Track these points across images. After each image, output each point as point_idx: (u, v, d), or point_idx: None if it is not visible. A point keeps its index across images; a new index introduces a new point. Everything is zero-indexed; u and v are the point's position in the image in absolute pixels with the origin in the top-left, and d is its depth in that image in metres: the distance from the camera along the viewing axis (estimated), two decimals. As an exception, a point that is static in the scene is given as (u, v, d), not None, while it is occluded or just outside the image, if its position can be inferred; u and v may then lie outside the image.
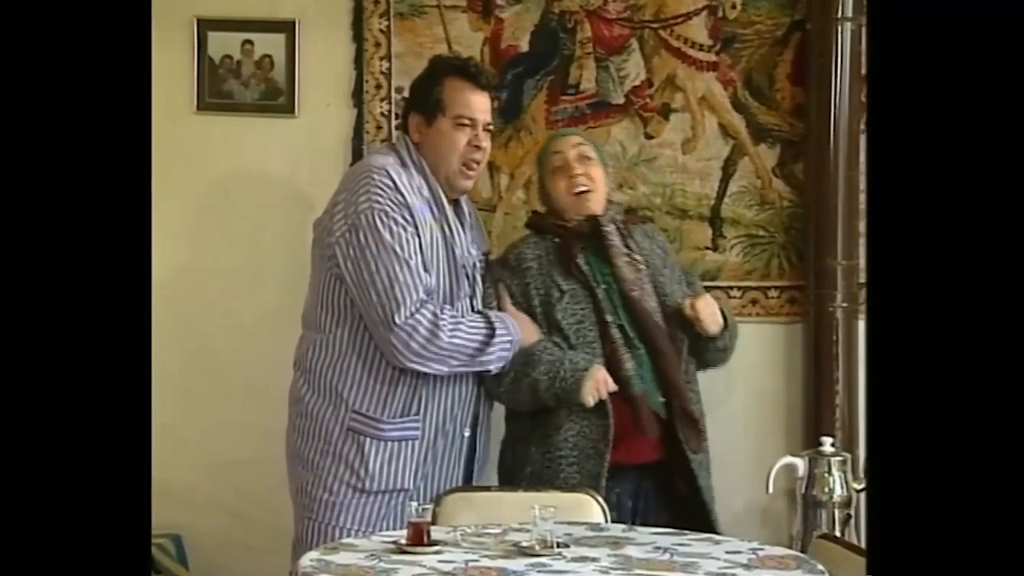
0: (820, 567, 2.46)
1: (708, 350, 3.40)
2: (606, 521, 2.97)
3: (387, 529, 3.16)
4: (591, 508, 3.00)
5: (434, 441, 3.29)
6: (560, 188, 3.41)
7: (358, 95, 3.95)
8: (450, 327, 3.18)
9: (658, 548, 2.60)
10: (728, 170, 3.95)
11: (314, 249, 3.35)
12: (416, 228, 3.22)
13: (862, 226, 3.73)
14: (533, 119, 3.94)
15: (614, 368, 3.23)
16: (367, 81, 3.95)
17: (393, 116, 3.89)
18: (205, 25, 3.95)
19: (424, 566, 2.44)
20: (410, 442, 3.27)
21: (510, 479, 3.33)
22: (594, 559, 2.49)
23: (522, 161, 3.92)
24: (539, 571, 2.41)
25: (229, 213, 3.98)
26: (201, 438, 3.94)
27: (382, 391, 3.25)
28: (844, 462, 3.53)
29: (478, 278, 3.38)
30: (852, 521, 3.53)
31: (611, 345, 3.25)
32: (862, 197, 3.73)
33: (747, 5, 3.93)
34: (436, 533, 2.66)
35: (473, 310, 3.32)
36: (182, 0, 3.90)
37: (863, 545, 2.84)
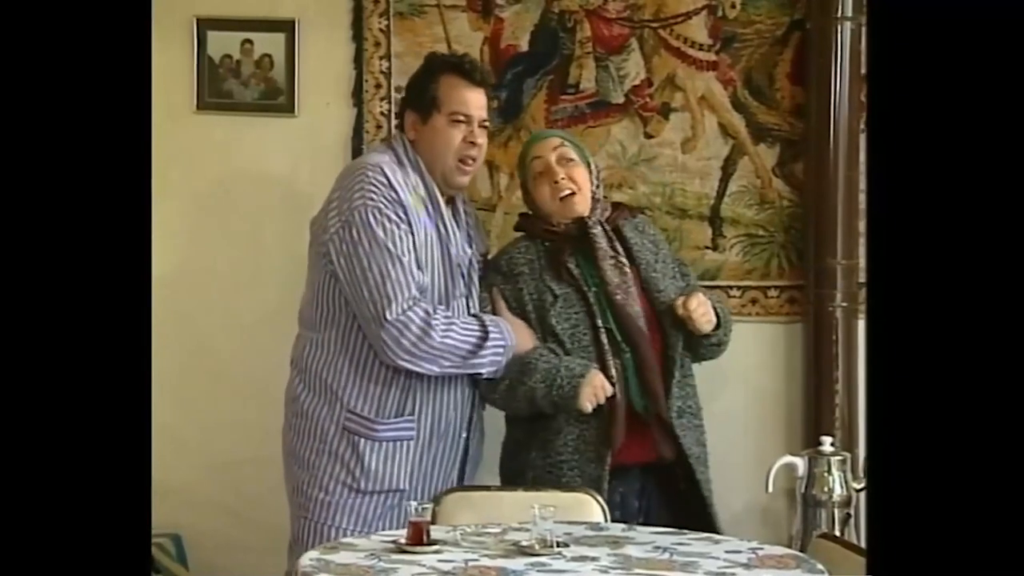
0: (820, 566, 2.46)
1: (702, 345, 3.38)
2: (606, 520, 2.97)
3: (383, 529, 3.17)
4: (591, 508, 2.99)
5: (430, 442, 3.29)
6: (545, 194, 3.37)
7: (358, 94, 3.95)
8: (443, 327, 3.17)
9: (658, 548, 2.60)
10: (728, 169, 3.95)
11: (311, 248, 3.35)
12: (410, 226, 3.21)
13: (862, 226, 3.73)
14: (533, 119, 3.94)
15: (608, 372, 3.22)
16: (367, 80, 3.95)
17: (393, 116, 3.88)
18: (205, 25, 3.94)
19: (424, 565, 2.44)
20: (405, 442, 3.26)
21: (512, 484, 3.32)
22: (594, 558, 2.49)
23: (522, 161, 3.92)
24: (539, 570, 2.41)
25: (229, 213, 3.98)
26: (201, 438, 3.94)
27: (376, 391, 3.26)
28: (844, 462, 3.53)
29: (474, 278, 3.37)
30: (852, 521, 3.53)
31: (603, 349, 3.24)
32: (862, 197, 3.73)
33: (747, 4, 3.93)
34: (436, 532, 2.66)
35: (469, 311, 3.31)
36: (182, 0, 3.90)
37: (863, 545, 2.84)
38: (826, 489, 3.51)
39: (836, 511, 3.51)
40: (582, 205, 3.36)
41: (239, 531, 3.90)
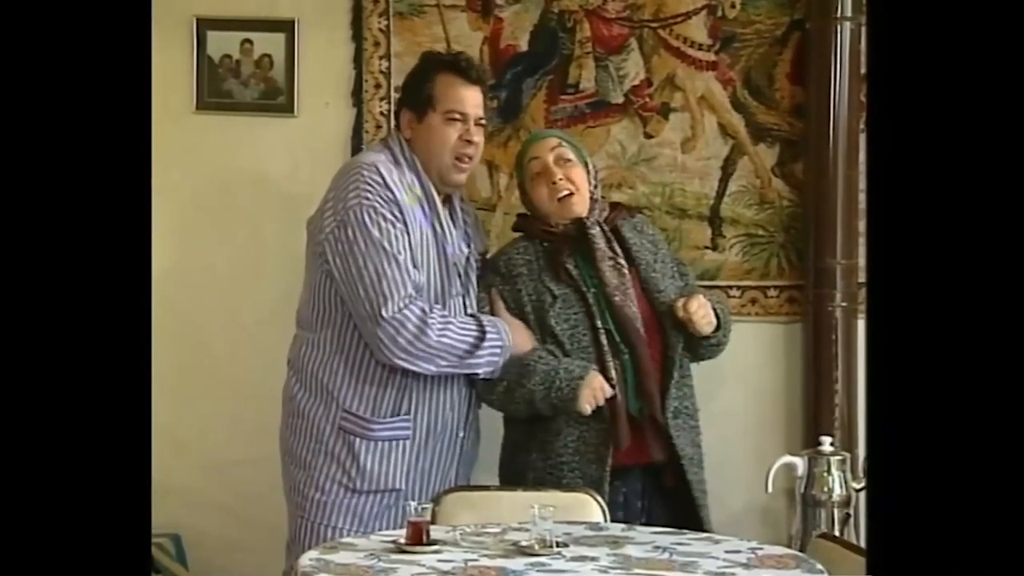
0: (819, 566, 2.46)
1: (701, 346, 3.38)
2: (606, 520, 2.97)
3: (380, 528, 3.16)
4: (591, 508, 2.99)
5: (426, 441, 3.28)
6: (543, 195, 3.36)
7: (357, 94, 3.95)
8: (439, 326, 3.17)
9: (657, 547, 2.60)
10: (727, 169, 3.95)
11: (307, 247, 3.35)
12: (405, 225, 3.21)
13: (862, 226, 3.73)
14: (532, 119, 3.94)
15: (607, 373, 3.21)
16: (366, 80, 3.95)
17: (392, 115, 3.88)
18: (204, 24, 3.94)
19: (423, 565, 2.44)
20: (401, 442, 3.26)
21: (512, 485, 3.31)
22: (593, 558, 2.49)
23: (521, 161, 3.92)
24: (538, 570, 2.41)
25: (228, 212, 3.98)
26: (200, 438, 3.94)
27: (371, 391, 3.25)
28: (843, 461, 3.53)
29: (471, 277, 3.36)
30: (851, 520, 3.53)
31: (602, 350, 3.24)
32: (862, 197, 3.73)
33: (746, 4, 3.93)
34: (435, 532, 2.66)
35: (465, 310, 3.31)
36: (182, 0, 3.90)
37: (862, 545, 2.84)
38: (826, 489, 3.51)
39: (836, 511, 3.50)
40: (580, 206, 3.36)
41: (238, 531, 3.90)
